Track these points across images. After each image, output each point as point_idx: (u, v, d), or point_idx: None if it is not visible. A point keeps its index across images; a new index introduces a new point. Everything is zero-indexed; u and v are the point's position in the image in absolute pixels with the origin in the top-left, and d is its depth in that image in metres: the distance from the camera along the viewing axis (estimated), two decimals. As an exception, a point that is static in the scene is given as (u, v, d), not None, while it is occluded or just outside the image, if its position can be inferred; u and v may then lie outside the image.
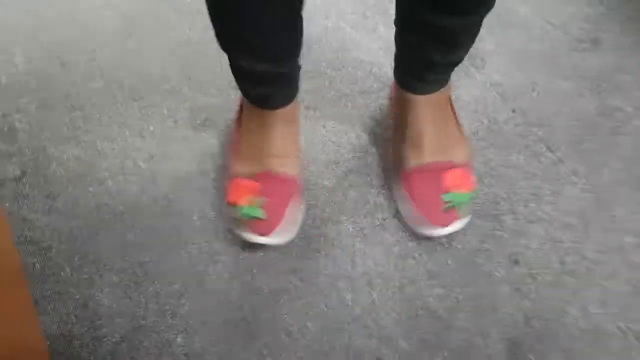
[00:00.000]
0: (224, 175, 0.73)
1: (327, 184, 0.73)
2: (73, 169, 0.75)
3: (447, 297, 0.66)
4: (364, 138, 0.76)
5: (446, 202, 0.65)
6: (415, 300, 0.66)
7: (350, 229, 0.70)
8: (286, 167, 0.68)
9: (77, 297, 0.67)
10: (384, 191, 0.72)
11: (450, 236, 0.69)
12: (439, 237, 0.69)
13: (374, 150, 0.75)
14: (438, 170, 0.67)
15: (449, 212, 0.65)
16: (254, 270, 0.68)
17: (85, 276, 0.69)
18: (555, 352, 0.63)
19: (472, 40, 0.60)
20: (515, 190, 0.72)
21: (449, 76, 0.67)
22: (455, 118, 0.71)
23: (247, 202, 0.65)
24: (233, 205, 0.66)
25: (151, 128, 0.78)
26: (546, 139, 0.75)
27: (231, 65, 0.61)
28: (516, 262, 0.68)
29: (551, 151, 0.74)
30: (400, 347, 0.64)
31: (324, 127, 0.77)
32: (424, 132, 0.67)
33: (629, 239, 0.68)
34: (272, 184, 0.67)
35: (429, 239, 0.69)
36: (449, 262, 0.68)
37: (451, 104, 0.71)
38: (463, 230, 0.69)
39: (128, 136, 0.78)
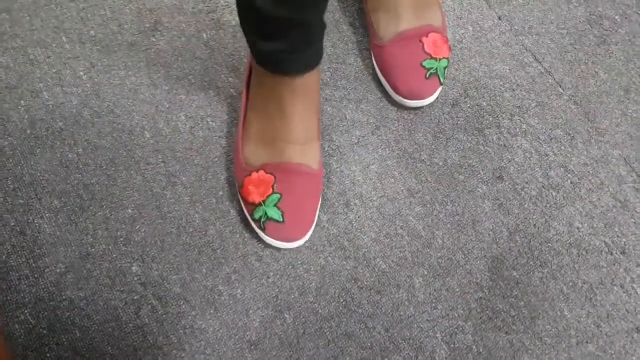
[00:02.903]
0: (232, 147, 0.63)
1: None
2: (0, 80, 0.64)
3: (427, 214, 0.62)
4: (340, 47, 0.69)
5: (427, 69, 0.62)
6: (394, 219, 0.61)
7: (326, 148, 0.64)
8: (308, 156, 0.58)
9: (12, 223, 0.59)
10: (362, 106, 0.66)
11: (431, 152, 0.64)
12: (418, 108, 0.65)
13: (351, 60, 0.68)
14: (417, 36, 0.64)
15: (432, 80, 0.63)
16: (220, 193, 0.61)
17: (21, 201, 0.60)
18: (539, 269, 0.60)
19: None
20: (500, 102, 0.67)
21: None
22: None
23: (262, 201, 0.57)
24: (248, 203, 0.58)
25: (92, 32, 0.67)
26: (532, 48, 0.70)
27: (239, 5, 0.49)
28: (500, 177, 0.64)
29: (537, 61, 0.69)
30: (378, 266, 0.59)
31: (292, 34, 0.69)
32: None
33: (615, 151, 0.66)
34: (292, 180, 0.57)
35: (410, 156, 0.64)
36: (429, 179, 0.63)
37: None
38: (444, 146, 0.64)
39: (65, 42, 0.67)
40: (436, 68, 0.63)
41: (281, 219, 0.56)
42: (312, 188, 0.59)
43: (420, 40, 0.64)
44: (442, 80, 0.64)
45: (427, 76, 0.63)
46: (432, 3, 0.65)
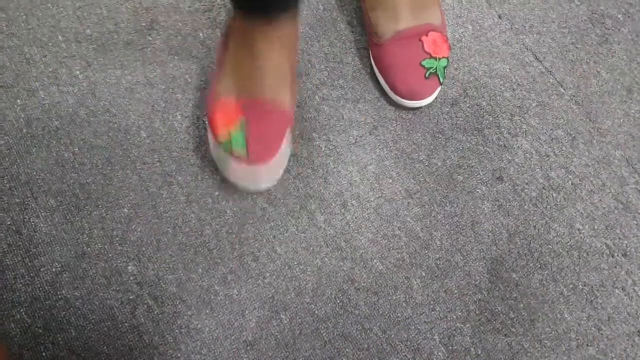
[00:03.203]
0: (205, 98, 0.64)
1: (297, 98, 0.65)
2: (-4, 80, 0.64)
3: (426, 215, 0.61)
4: (338, 46, 0.68)
5: (427, 69, 0.61)
6: (392, 220, 0.61)
7: (323, 148, 0.63)
8: (279, 94, 0.58)
9: (9, 222, 0.59)
10: (359, 105, 0.65)
11: (429, 152, 0.63)
12: (417, 108, 0.64)
13: (348, 59, 0.67)
14: (417, 35, 0.63)
15: (431, 80, 0.63)
16: (216, 193, 0.61)
17: (17, 200, 0.59)
18: (539, 271, 0.60)
19: None
20: (500, 102, 0.66)
21: None
22: None
23: (228, 133, 0.57)
24: (214, 134, 0.58)
25: (88, 31, 0.67)
26: (533, 47, 0.69)
27: None
28: (499, 178, 0.63)
29: (538, 60, 0.68)
30: (375, 267, 0.59)
31: (291, 33, 0.68)
32: None
33: (617, 152, 0.65)
34: (259, 113, 0.58)
35: (408, 157, 0.63)
36: (428, 179, 0.63)
37: None
38: (443, 146, 0.64)
39: (61, 41, 0.67)
40: (436, 67, 0.63)
41: (244, 150, 0.57)
42: (278, 122, 0.59)
43: (420, 39, 0.63)
44: (441, 80, 0.63)
45: (427, 76, 0.62)
46: (431, 2, 0.65)
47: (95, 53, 0.66)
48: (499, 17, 0.71)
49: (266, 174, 0.58)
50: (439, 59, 0.63)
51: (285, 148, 0.60)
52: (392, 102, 0.65)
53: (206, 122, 0.61)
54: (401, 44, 0.63)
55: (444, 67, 0.63)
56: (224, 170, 0.59)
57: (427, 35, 0.63)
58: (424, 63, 0.63)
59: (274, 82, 0.58)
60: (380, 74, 0.65)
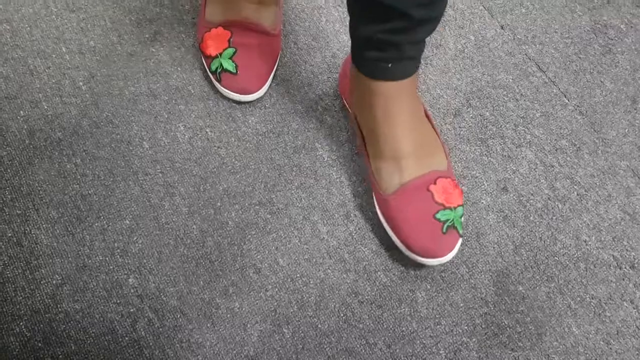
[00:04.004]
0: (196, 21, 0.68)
1: (299, 109, 0.65)
2: (0, 90, 0.64)
3: (431, 227, 0.60)
4: (340, 57, 0.68)
5: (443, 222, 0.55)
6: (396, 231, 0.60)
7: (326, 158, 0.63)
8: (263, 17, 0.63)
9: (10, 234, 0.58)
10: (360, 116, 0.65)
11: (433, 163, 0.63)
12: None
13: (349, 70, 0.67)
14: (424, 185, 0.56)
15: (450, 234, 0.55)
16: (218, 204, 0.60)
17: (19, 211, 0.59)
18: (546, 283, 0.59)
19: None
20: (504, 113, 0.66)
21: (424, 46, 0.53)
22: (428, 116, 0.59)
23: (219, 53, 0.62)
24: (206, 56, 0.64)
25: (91, 43, 0.67)
26: (536, 57, 0.69)
27: None
28: (504, 189, 0.62)
29: (541, 71, 0.68)
30: (379, 280, 0.58)
31: (295, 44, 0.68)
32: (401, 146, 0.55)
33: (623, 162, 0.64)
34: (247, 37, 0.62)
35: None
36: (432, 190, 0.62)
37: (421, 102, 0.59)
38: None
39: (65, 52, 0.67)
40: (453, 219, 0.56)
41: (235, 71, 0.62)
42: (267, 47, 0.64)
43: (429, 190, 0.56)
44: (460, 231, 0.56)
45: (444, 230, 0.55)
46: (435, 148, 0.59)
47: (98, 64, 0.66)
48: (502, 27, 0.71)
49: (256, 94, 0.64)
50: (454, 208, 0.56)
51: (264, 68, 0.64)
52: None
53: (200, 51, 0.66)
54: (409, 198, 0.56)
55: (461, 217, 0.57)
56: (217, 89, 0.65)
57: (435, 184, 0.56)
58: (438, 216, 0.55)
59: (266, 2, 0.62)
60: (388, 228, 0.58)
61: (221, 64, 0.62)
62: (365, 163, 0.60)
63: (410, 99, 0.55)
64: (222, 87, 0.63)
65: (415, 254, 0.56)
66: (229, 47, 0.63)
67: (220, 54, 0.63)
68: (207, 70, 0.65)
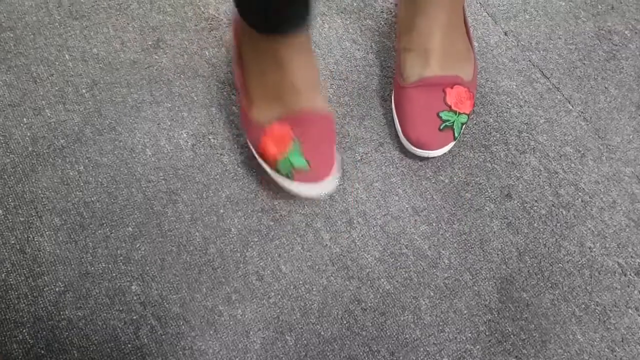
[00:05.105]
0: (240, 127, 0.64)
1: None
2: (3, 98, 0.64)
3: (433, 234, 0.60)
4: (343, 64, 0.68)
5: (443, 121, 0.58)
6: (399, 238, 0.60)
7: (327, 164, 0.63)
8: (315, 101, 0.57)
9: (12, 241, 0.58)
10: (365, 123, 0.65)
11: (436, 169, 0.63)
12: (428, 158, 0.63)
13: (354, 76, 0.67)
14: (441, 85, 0.60)
15: (445, 133, 0.59)
16: (221, 211, 0.60)
17: (22, 218, 0.59)
18: (550, 290, 0.58)
19: None
20: (507, 119, 0.66)
21: None
22: (467, 30, 0.63)
23: (285, 152, 0.56)
24: (270, 158, 0.58)
25: (94, 50, 0.68)
26: (540, 63, 0.69)
27: None
28: (508, 195, 0.62)
29: (545, 77, 0.68)
30: (382, 287, 0.58)
31: (296, 51, 0.68)
32: (432, 39, 0.59)
33: (627, 169, 0.64)
34: (306, 126, 0.57)
35: (414, 174, 0.62)
36: (435, 197, 0.62)
37: (464, 14, 0.63)
38: (450, 163, 0.63)
39: (68, 60, 0.67)
40: (453, 122, 0.59)
41: (306, 166, 0.56)
42: (327, 129, 0.59)
43: (444, 90, 0.60)
44: (456, 135, 0.60)
45: (441, 128, 0.59)
46: (465, 56, 0.62)
47: (101, 72, 0.66)
48: (505, 34, 0.71)
49: (331, 182, 0.59)
50: (459, 113, 0.60)
51: (335, 155, 0.59)
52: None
53: (253, 152, 0.60)
54: (424, 91, 0.60)
55: (462, 124, 0.60)
56: (288, 188, 0.58)
57: (452, 88, 0.60)
58: (441, 114, 0.60)
59: (309, 89, 0.58)
60: (396, 117, 0.63)
61: (291, 163, 0.57)
62: (396, 57, 0.64)
63: (452, 10, 0.59)
64: (296, 184, 0.57)
65: (409, 143, 0.61)
66: (293, 142, 0.57)
67: (287, 153, 0.57)
68: (272, 173, 0.59)
